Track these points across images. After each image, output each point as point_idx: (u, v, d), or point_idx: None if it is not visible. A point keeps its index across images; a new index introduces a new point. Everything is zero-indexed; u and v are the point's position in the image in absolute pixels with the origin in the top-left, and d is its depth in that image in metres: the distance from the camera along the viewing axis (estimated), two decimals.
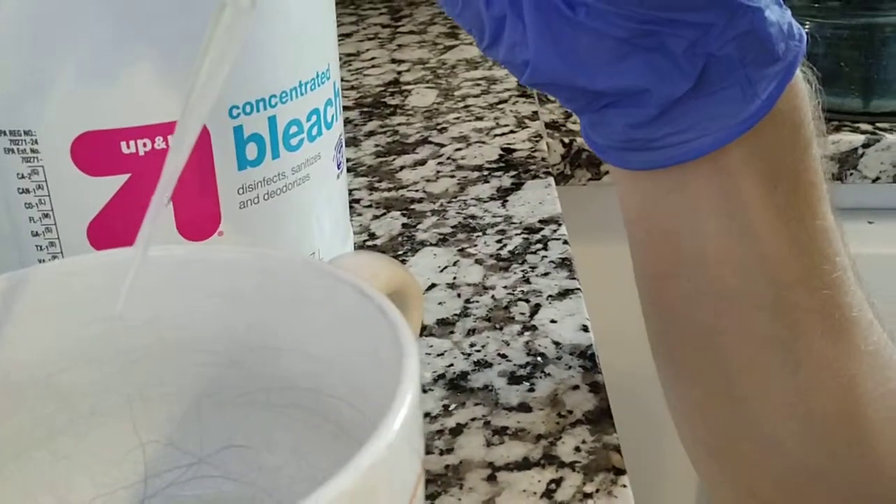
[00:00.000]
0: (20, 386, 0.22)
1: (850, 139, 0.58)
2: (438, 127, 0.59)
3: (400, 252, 0.42)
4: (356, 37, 0.84)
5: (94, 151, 0.27)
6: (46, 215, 0.28)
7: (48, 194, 0.28)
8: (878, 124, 0.60)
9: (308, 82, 0.31)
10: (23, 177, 0.27)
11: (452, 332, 0.36)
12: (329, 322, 0.21)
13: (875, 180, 0.59)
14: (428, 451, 0.29)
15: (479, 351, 0.34)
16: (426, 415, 0.31)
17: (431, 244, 0.43)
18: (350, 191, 0.49)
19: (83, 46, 0.26)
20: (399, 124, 0.60)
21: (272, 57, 0.30)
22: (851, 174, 0.59)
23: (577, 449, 0.29)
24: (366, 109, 0.63)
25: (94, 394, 0.23)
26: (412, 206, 0.47)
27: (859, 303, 0.30)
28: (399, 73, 0.72)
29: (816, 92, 0.29)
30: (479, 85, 0.68)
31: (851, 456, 0.31)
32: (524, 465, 0.28)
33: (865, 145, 0.58)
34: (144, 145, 0.28)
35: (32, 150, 0.27)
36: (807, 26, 0.61)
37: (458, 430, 0.30)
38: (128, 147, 0.27)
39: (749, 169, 0.27)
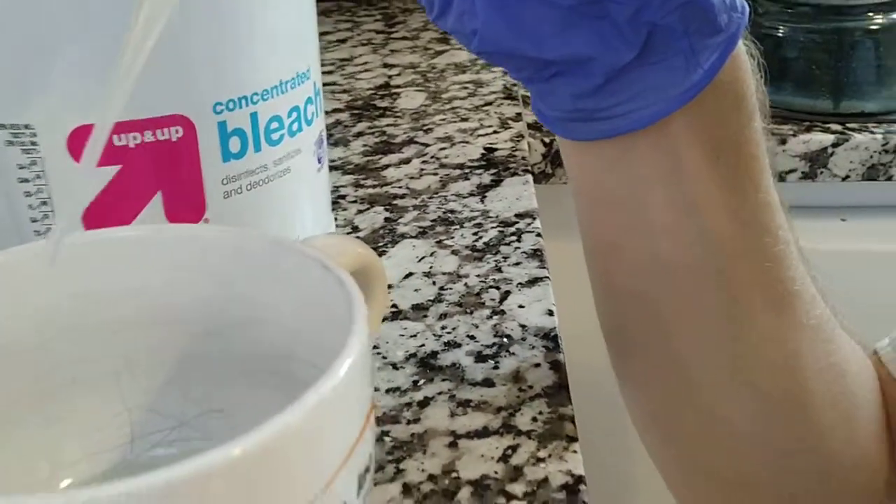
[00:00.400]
0: (14, 353, 0.24)
1: (820, 139, 0.61)
2: (425, 128, 0.61)
3: (381, 244, 0.45)
4: (350, 42, 0.87)
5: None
6: (44, 203, 0.30)
7: (46, 183, 0.30)
8: (848, 125, 0.62)
9: (288, 81, 0.34)
10: (23, 167, 0.30)
11: (426, 316, 0.38)
12: (296, 294, 0.24)
13: (845, 178, 0.62)
14: (395, 421, 0.31)
15: (449, 333, 0.37)
16: (396, 389, 0.33)
17: (411, 236, 0.45)
18: (337, 188, 0.52)
19: (77, 48, 0.29)
20: (387, 125, 0.62)
21: (253, 57, 0.32)
22: (822, 172, 0.61)
23: (534, 419, 0.31)
24: (356, 111, 0.65)
25: (82, 362, 0.25)
26: (395, 202, 0.50)
27: (801, 277, 0.31)
28: (390, 76, 0.74)
29: (759, 67, 0.29)
30: (466, 88, 0.70)
31: (794, 429, 0.32)
32: (484, 433, 0.31)
33: (835, 144, 0.60)
34: (134, 138, 0.30)
35: (32, 143, 0.29)
36: (780, 31, 0.64)
37: (425, 403, 0.32)
38: (119, 140, 0.30)
39: (692, 139, 0.27)
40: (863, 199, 0.64)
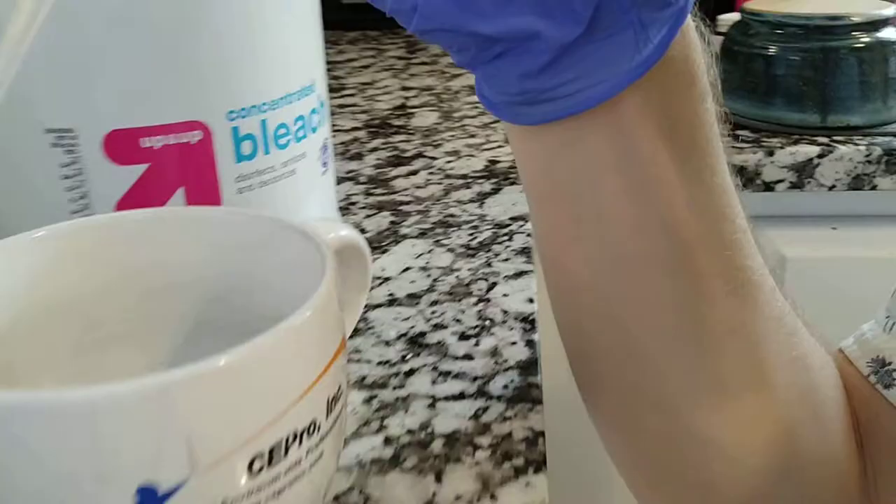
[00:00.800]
0: (59, 312, 0.29)
1: (806, 150, 0.64)
2: (434, 143, 0.66)
3: (384, 243, 0.49)
4: (373, 68, 0.92)
5: (121, 145, 0.35)
6: (83, 196, 0.35)
7: (85, 180, 0.35)
8: (835, 137, 0.66)
9: (294, 94, 0.39)
10: (65, 166, 0.35)
11: (418, 303, 0.42)
12: (284, 261, 0.28)
13: (831, 188, 0.65)
14: (383, 387, 0.36)
15: (438, 317, 0.41)
16: (386, 362, 0.37)
17: (412, 237, 0.50)
18: (348, 196, 0.56)
19: (114, 64, 0.34)
20: (400, 141, 0.67)
21: (263, 72, 0.37)
22: (809, 182, 0.65)
23: (506, 386, 0.35)
24: (372, 129, 0.71)
25: (115, 323, 0.30)
26: (400, 207, 0.54)
27: (760, 267, 0.30)
28: (407, 98, 0.80)
29: (709, 46, 0.28)
30: (477, 107, 0.75)
31: (760, 424, 0.30)
32: (459, 397, 0.35)
33: (820, 155, 0.64)
34: (160, 140, 0.35)
35: (73, 145, 0.35)
36: (771, 50, 0.68)
37: (410, 373, 0.37)
38: (147, 142, 0.35)
39: (644, 120, 0.26)
40: (851, 209, 0.67)
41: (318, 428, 0.23)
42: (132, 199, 0.35)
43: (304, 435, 0.23)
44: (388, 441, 0.33)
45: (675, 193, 0.27)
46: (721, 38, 0.73)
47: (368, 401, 0.35)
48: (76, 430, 0.20)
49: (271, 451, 0.22)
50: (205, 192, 0.37)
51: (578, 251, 0.29)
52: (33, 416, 0.20)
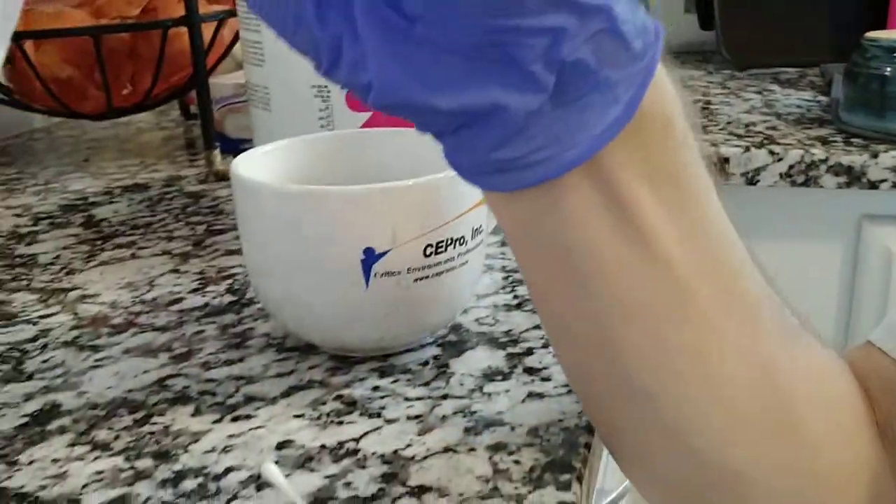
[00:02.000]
0: (313, 178, 0.47)
1: None
2: None
3: None
4: None
5: (356, 100, 0.53)
6: (332, 127, 0.54)
7: (334, 121, 0.54)
8: None
9: None
10: (321, 110, 0.53)
11: None
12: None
13: None
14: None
15: None
16: None
17: None
18: None
19: None
20: None
21: None
22: None
23: None
24: None
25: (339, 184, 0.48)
26: None
27: (763, 286, 0.29)
28: None
29: (681, 85, 0.28)
30: None
31: (784, 446, 0.30)
32: None
33: None
34: None
35: (327, 96, 0.53)
36: (887, 71, 0.78)
37: None
38: None
39: (625, 173, 0.26)
40: None
41: (466, 242, 0.40)
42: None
43: (458, 243, 0.39)
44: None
45: (669, 234, 0.27)
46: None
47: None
48: (335, 211, 0.37)
49: (438, 245, 0.38)
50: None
51: (577, 308, 0.28)
52: (317, 201, 0.37)
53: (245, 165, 0.41)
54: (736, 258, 0.28)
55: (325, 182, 0.41)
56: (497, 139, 0.24)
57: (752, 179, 0.79)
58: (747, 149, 0.79)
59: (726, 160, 0.79)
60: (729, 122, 0.89)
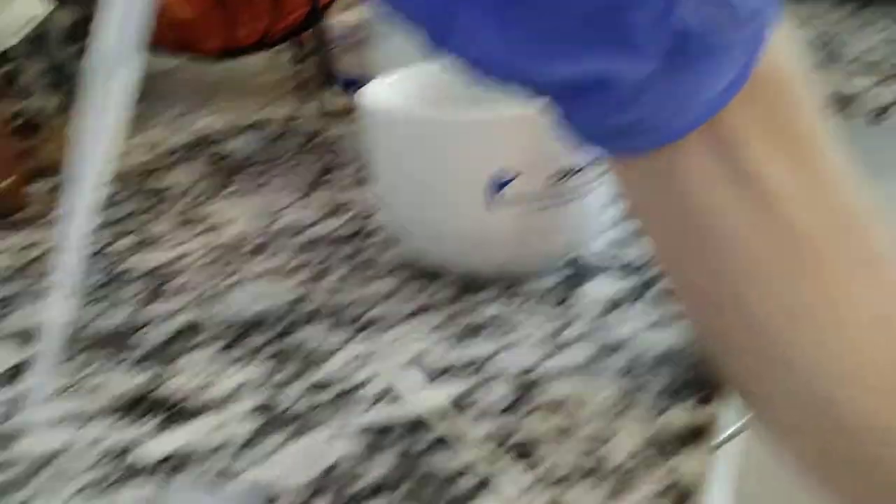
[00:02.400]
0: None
1: None
2: None
3: None
4: None
5: None
6: None
7: None
8: None
9: None
10: None
11: None
12: None
13: None
14: None
15: None
16: None
17: None
18: None
19: None
20: None
21: None
22: None
23: None
24: None
25: None
26: None
27: (886, 241, 0.29)
28: None
29: (801, 21, 0.29)
30: None
31: None
32: None
33: None
34: None
35: None
36: None
37: None
38: None
39: (744, 134, 0.26)
40: None
41: (591, 172, 0.40)
42: None
43: (583, 172, 0.39)
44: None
45: (793, 195, 0.27)
46: None
47: None
48: (464, 137, 0.38)
49: (563, 173, 0.39)
50: None
51: (705, 272, 0.29)
52: (446, 127, 0.38)
53: (372, 94, 0.42)
54: (859, 211, 0.28)
55: (449, 109, 0.42)
56: (613, 105, 0.24)
57: (877, 118, 0.76)
58: (875, 85, 0.76)
59: (850, 98, 0.76)
60: (854, 60, 0.85)
